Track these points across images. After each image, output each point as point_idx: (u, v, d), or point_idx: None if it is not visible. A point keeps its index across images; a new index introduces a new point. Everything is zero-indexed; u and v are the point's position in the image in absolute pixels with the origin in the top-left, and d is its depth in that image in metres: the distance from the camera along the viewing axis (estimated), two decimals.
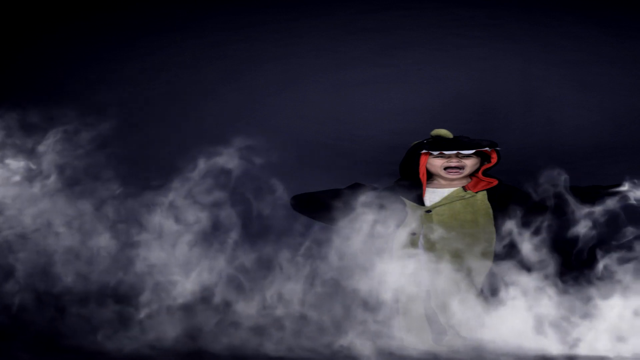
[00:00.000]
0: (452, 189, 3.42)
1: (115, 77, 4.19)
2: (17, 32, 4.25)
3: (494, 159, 3.44)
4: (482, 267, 3.23)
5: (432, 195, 3.42)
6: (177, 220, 3.30)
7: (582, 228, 3.15)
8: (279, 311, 3.21)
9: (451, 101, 4.07)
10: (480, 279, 3.22)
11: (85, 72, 4.20)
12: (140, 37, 4.23)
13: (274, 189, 3.40)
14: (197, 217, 3.31)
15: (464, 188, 3.41)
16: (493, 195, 3.38)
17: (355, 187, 3.39)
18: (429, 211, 3.35)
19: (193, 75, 4.19)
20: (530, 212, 3.23)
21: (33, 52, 4.25)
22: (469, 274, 3.22)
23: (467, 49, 4.10)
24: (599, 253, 3.14)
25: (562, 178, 3.20)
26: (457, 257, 3.24)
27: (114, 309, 3.29)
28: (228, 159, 3.33)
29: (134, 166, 3.84)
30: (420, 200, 3.40)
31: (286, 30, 4.19)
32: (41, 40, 4.25)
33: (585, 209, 3.17)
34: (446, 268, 3.21)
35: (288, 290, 3.23)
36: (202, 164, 3.32)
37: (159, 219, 3.30)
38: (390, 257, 3.22)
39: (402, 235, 3.31)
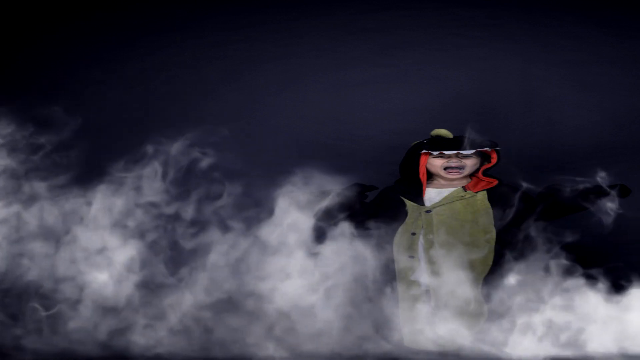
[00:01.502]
0: (452, 189, 3.42)
1: (115, 77, 4.19)
2: (17, 32, 4.25)
3: (494, 159, 3.44)
4: (482, 267, 3.23)
5: (432, 195, 3.42)
6: (112, 219, 3.25)
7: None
8: (194, 315, 3.16)
9: (451, 101, 4.07)
10: (480, 279, 3.22)
11: (85, 72, 4.20)
12: (140, 37, 4.23)
13: (221, 191, 3.32)
14: (133, 217, 3.25)
15: (464, 188, 3.41)
16: (493, 195, 3.38)
17: (355, 188, 3.39)
18: (429, 211, 3.35)
19: (193, 75, 4.19)
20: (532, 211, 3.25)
21: (33, 52, 4.25)
22: (468, 273, 3.22)
23: (467, 49, 4.11)
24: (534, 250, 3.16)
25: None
26: (456, 257, 3.23)
27: (32, 307, 3.18)
28: (178, 156, 3.28)
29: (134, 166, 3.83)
30: (420, 200, 3.40)
31: (286, 30, 4.19)
32: (41, 40, 4.26)
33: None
34: (446, 268, 3.21)
35: (204, 295, 3.19)
36: (147, 160, 3.27)
37: (94, 216, 3.23)
38: (288, 260, 3.17)
39: (402, 235, 3.31)
